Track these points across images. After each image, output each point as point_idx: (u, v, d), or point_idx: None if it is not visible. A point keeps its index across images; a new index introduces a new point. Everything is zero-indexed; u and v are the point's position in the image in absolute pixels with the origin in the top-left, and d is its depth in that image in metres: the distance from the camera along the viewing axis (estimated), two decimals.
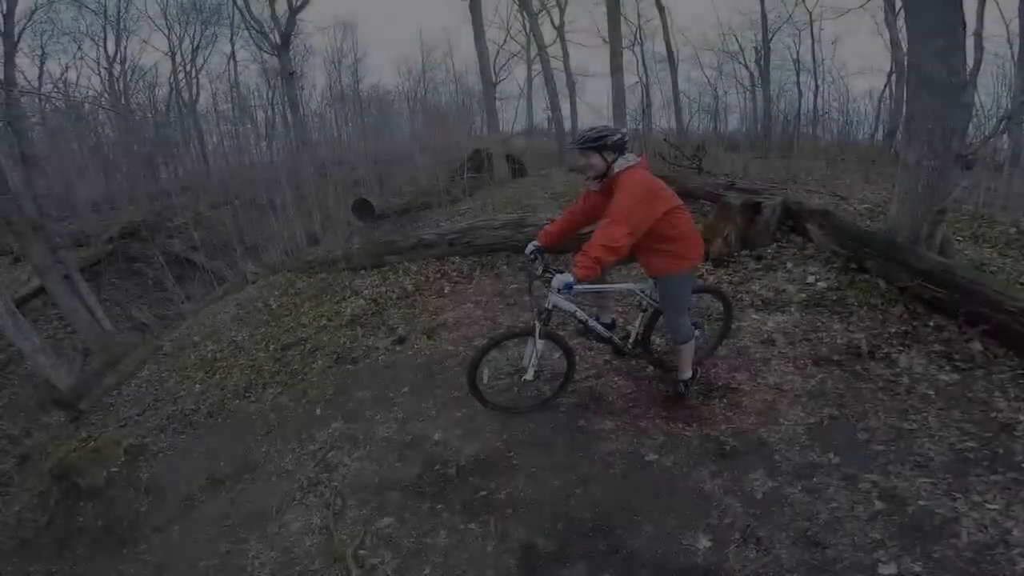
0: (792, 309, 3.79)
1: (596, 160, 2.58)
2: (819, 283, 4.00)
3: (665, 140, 9.25)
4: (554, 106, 15.08)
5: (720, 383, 3.23)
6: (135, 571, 3.33)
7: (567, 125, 16.22)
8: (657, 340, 3.50)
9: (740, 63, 17.83)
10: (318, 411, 3.85)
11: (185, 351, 5.40)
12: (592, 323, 3.03)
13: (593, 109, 23.20)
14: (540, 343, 2.86)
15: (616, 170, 2.57)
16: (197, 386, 4.83)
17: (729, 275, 4.26)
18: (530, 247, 2.97)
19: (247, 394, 4.46)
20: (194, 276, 8.47)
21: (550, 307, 2.79)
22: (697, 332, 3.07)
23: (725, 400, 3.10)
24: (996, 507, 2.17)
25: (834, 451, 2.63)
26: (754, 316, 3.77)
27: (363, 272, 5.82)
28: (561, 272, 2.57)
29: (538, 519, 2.59)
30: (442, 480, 2.94)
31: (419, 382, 3.80)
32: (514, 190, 8.40)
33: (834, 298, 3.82)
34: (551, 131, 16.74)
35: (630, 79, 15.82)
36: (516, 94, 22.60)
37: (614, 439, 2.95)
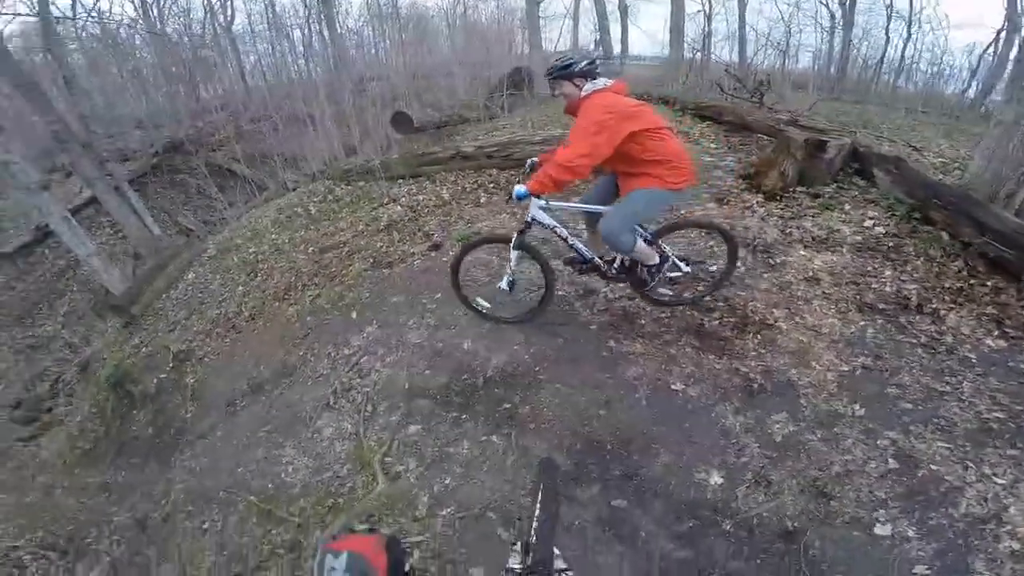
0: (843, 250, 3.59)
1: (568, 88, 2.61)
2: (877, 227, 3.75)
3: (727, 71, 8.54)
4: (603, 28, 14.12)
5: (757, 318, 3.13)
6: (181, 478, 3.57)
7: (615, 49, 15.18)
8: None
9: (822, 2, 15.98)
10: (354, 315, 3.91)
11: (229, 253, 5.58)
12: (573, 240, 3.04)
13: (647, 35, 21.54)
14: (514, 254, 2.99)
15: (582, 94, 2.58)
16: (240, 288, 4.99)
17: (780, 209, 4.03)
18: (529, 162, 3.06)
19: (287, 296, 4.58)
20: (236, 185, 8.65)
21: (529, 220, 2.89)
22: (688, 268, 3.09)
23: (760, 336, 3.01)
24: (1003, 482, 2.13)
25: (861, 403, 2.56)
26: (801, 252, 3.59)
27: (400, 181, 5.81)
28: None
29: (559, 437, 2.65)
30: (469, 390, 3.02)
31: (452, 289, 3.74)
32: (555, 109, 7.98)
33: (890, 244, 3.60)
34: (597, 54, 15.73)
35: (692, 6, 14.51)
36: (561, 14, 21.11)
37: (642, 363, 2.93)
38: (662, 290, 3.24)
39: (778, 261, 3.50)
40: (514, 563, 1.15)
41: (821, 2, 15.95)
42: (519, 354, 3.14)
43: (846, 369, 2.76)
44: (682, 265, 3.09)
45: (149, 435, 4.35)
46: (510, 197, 2.75)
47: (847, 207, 3.99)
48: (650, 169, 2.62)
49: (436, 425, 2.88)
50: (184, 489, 3.43)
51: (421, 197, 5.42)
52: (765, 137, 5.32)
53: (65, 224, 6.14)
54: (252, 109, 11.67)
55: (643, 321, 3.22)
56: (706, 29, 16.21)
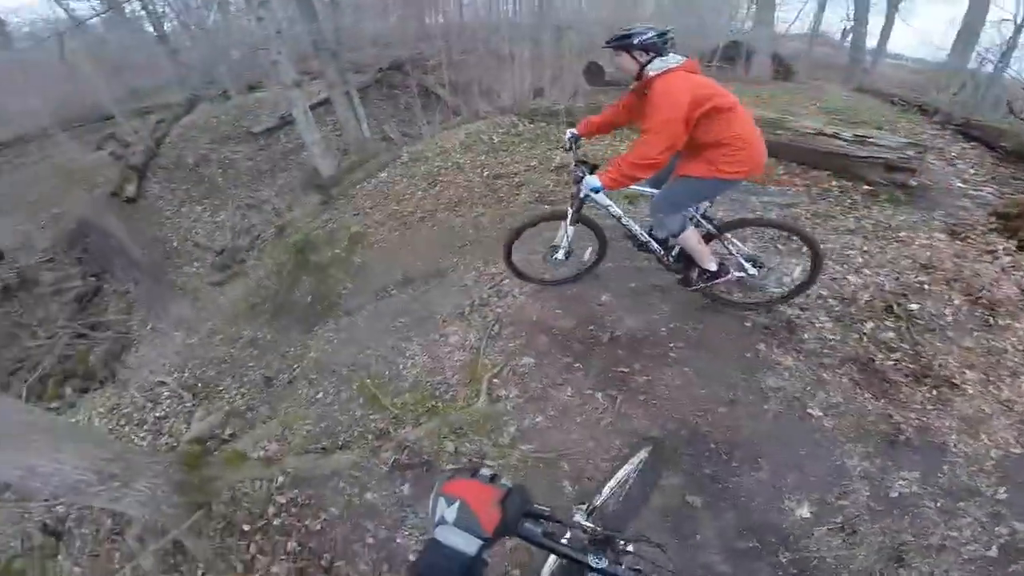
0: None
1: (626, 60, 2.41)
2: None
3: None
4: (859, 18, 11.83)
5: (942, 373, 2.65)
6: (316, 346, 3.98)
7: (870, 42, 12.75)
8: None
9: None
10: None
11: (417, 163, 6.18)
12: (627, 220, 2.90)
13: (919, 34, 17.75)
14: (571, 229, 2.93)
15: (651, 73, 2.36)
16: (419, 193, 5.52)
17: None
18: (569, 133, 2.94)
19: (456, 208, 4.97)
20: (436, 107, 9.56)
21: (583, 196, 2.76)
22: (754, 271, 2.83)
23: (935, 392, 2.59)
24: None
25: (1009, 488, 2.22)
26: None
27: None
28: (597, 168, 2.61)
29: (665, 417, 2.58)
30: (592, 341, 3.02)
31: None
32: (771, 92, 7.21)
33: None
34: (844, 43, 13.41)
35: (997, 13, 11.38)
36: None
37: (787, 377, 2.69)
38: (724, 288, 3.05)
39: (1000, 323, 2.85)
40: (582, 519, 1.11)
41: None
42: (656, 324, 3.05)
43: (1018, 452, 2.35)
44: (748, 266, 2.84)
45: (307, 303, 4.94)
46: (578, 182, 2.66)
47: None
48: (705, 153, 2.41)
49: (549, 364, 2.94)
50: (315, 358, 3.81)
51: (598, 149, 5.36)
52: None
53: (304, 116, 7.37)
54: (463, 41, 12.48)
55: (806, 336, 2.90)
56: (1011, 40, 12.70)
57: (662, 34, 2.33)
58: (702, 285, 2.91)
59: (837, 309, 3.04)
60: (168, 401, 4.29)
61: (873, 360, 2.75)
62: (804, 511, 2.19)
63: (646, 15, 13.80)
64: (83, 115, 12.30)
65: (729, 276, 2.85)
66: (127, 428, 4.10)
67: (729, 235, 2.79)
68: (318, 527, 2.53)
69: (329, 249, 5.35)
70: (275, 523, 2.60)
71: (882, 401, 2.57)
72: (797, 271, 3.25)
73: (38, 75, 12.98)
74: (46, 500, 3.62)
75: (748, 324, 3.00)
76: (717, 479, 2.32)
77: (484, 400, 2.82)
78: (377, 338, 3.61)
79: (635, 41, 2.33)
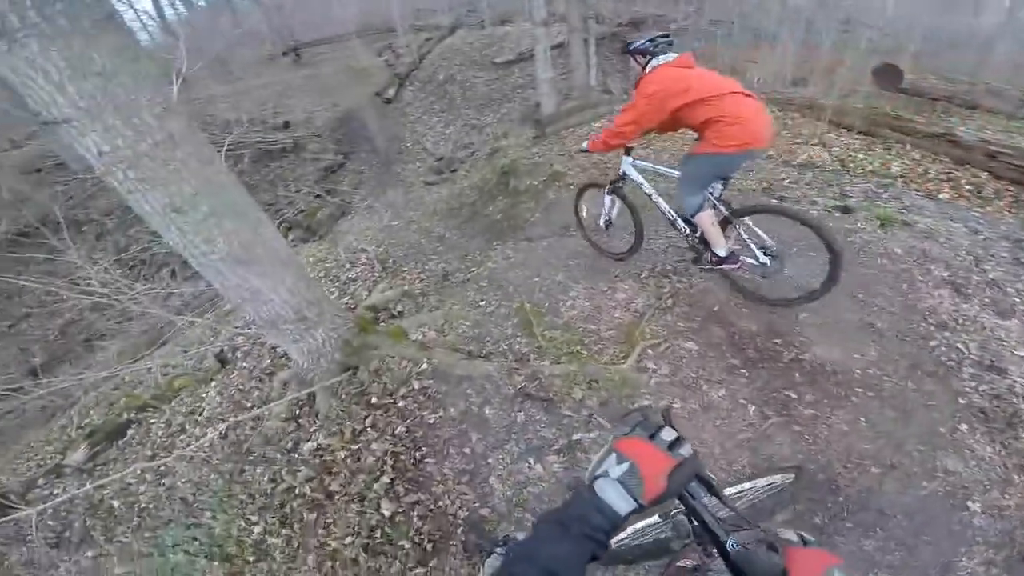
0: None
1: (632, 64, 2.77)
2: None
3: None
4: None
5: None
6: (494, 258, 4.21)
7: None
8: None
9: None
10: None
11: None
12: (657, 198, 3.15)
13: None
14: (607, 199, 3.42)
15: (647, 71, 2.67)
16: None
17: None
18: None
19: None
20: None
21: (622, 173, 3.23)
22: (765, 259, 2.83)
23: None
24: None
25: None
26: None
27: (844, 130, 5.16)
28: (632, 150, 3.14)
29: (811, 454, 2.36)
30: (768, 354, 2.79)
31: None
32: None
33: None
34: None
35: None
36: None
37: (970, 466, 2.28)
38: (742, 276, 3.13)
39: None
40: (708, 501, 1.01)
41: None
42: (852, 363, 2.71)
43: None
44: (759, 254, 2.83)
45: (496, 219, 5.30)
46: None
47: None
48: (704, 133, 2.60)
49: (713, 358, 2.80)
50: (491, 268, 4.04)
51: (861, 156, 4.64)
52: None
53: (543, 54, 7.65)
54: (718, 8, 11.46)
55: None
56: None
57: (652, 39, 2.67)
58: (710, 267, 3.08)
59: None
60: (362, 267, 4.90)
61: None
62: None
63: (985, 19, 10.97)
64: (375, 26, 14.74)
65: (737, 264, 2.95)
66: (324, 281, 4.62)
67: (747, 220, 2.81)
68: (431, 420, 2.69)
69: (529, 179, 5.63)
70: (399, 404, 2.78)
71: None
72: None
73: None
74: (238, 326, 4.11)
75: (963, 401, 2.53)
76: (823, 531, 2.13)
77: (631, 365, 2.78)
78: (548, 270, 3.71)
79: (630, 48, 2.74)
